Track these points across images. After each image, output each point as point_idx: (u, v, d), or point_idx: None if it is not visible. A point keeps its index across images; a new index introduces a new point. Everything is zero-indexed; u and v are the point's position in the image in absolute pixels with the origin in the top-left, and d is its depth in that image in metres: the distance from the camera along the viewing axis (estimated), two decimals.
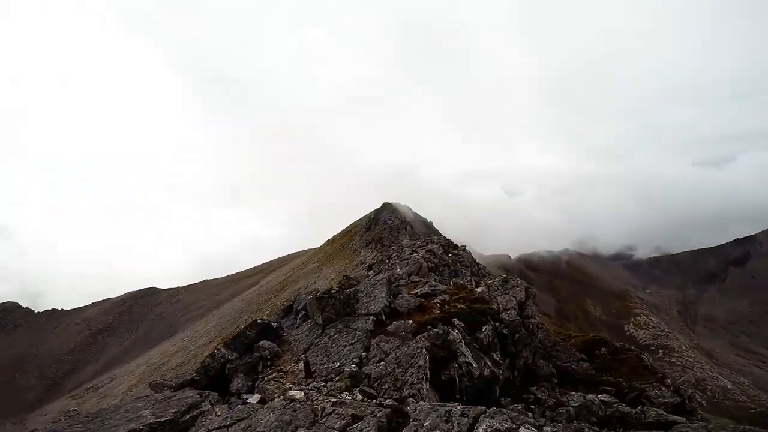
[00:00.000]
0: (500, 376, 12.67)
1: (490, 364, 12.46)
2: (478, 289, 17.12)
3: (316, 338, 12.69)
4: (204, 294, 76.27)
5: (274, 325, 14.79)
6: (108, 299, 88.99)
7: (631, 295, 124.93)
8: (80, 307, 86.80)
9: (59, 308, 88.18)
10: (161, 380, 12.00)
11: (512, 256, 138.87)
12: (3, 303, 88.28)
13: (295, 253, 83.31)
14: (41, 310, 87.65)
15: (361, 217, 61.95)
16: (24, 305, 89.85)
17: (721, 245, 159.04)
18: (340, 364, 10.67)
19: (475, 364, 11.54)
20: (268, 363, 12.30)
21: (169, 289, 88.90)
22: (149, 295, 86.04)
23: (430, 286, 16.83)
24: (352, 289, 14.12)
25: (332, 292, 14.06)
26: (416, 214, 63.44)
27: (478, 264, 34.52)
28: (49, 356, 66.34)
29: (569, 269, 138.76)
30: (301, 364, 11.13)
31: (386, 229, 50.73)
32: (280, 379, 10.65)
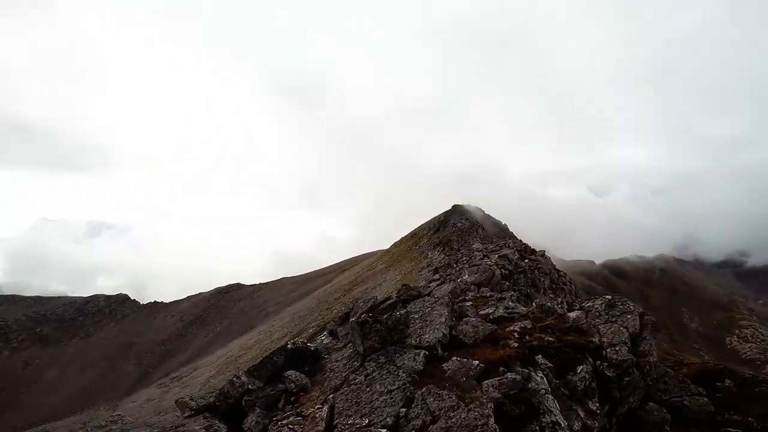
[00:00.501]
0: (594, 429, 9.78)
1: (582, 415, 9.56)
2: (572, 314, 13.11)
3: (352, 372, 10.17)
4: (281, 291, 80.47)
5: (312, 347, 12.77)
6: (200, 293, 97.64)
7: (739, 306, 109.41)
8: (176, 300, 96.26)
9: (160, 301, 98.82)
10: (188, 398, 10.99)
11: (597, 262, 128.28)
12: (116, 295, 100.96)
13: (366, 254, 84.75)
14: (146, 302, 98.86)
15: (429, 219, 61.18)
16: (132, 297, 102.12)
17: None
18: (369, 421, 8.18)
19: (563, 423, 8.56)
20: (292, 399, 10.48)
21: (251, 285, 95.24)
22: (234, 290, 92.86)
23: (506, 308, 13.76)
24: (402, 312, 11.41)
25: (378, 311, 11.76)
26: (489, 216, 60.88)
27: (558, 271, 32.03)
28: (146, 345, 74.34)
29: (664, 277, 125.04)
30: (325, 410, 9.01)
31: (455, 232, 49.28)
32: (296, 426, 8.95)
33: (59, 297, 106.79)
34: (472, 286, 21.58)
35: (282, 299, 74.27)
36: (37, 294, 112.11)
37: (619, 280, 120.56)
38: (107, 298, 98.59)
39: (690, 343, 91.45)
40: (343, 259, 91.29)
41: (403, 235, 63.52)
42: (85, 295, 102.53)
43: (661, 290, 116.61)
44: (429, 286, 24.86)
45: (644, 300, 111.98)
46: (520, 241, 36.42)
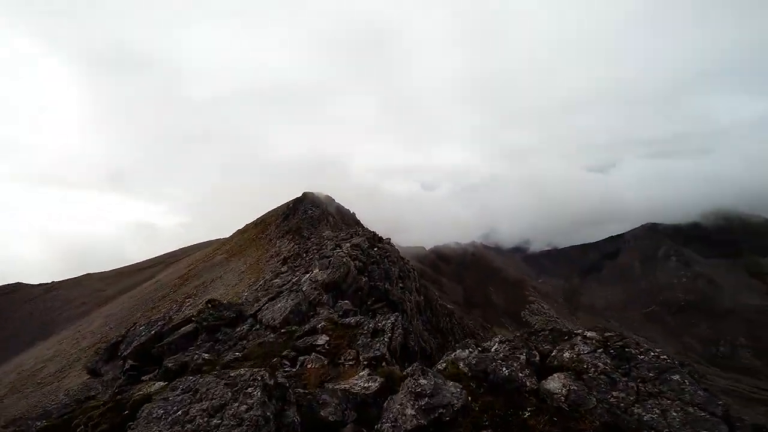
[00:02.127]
0: None
1: None
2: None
3: None
4: (86, 289, 66.51)
5: (51, 406, 9.11)
6: None
7: (527, 284, 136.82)
8: None
9: None
10: None
11: (426, 248, 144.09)
12: None
13: (199, 243, 76.56)
14: None
15: (278, 206, 58.21)
16: None
17: (598, 241, 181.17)
18: None
19: None
20: None
21: (41, 284, 76.34)
22: (11, 291, 72.95)
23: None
24: (199, 358, 8.71)
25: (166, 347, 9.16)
26: (339, 205, 60.89)
27: (404, 259, 33.71)
28: None
29: (475, 260, 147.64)
30: None
31: (306, 220, 47.96)
32: None
33: None
34: (324, 296, 16.74)
35: (88, 299, 61.46)
36: None
37: (444, 264, 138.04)
38: None
39: (498, 317, 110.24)
40: (167, 251, 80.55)
41: (248, 222, 59.23)
42: None
43: (473, 271, 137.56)
44: (258, 300, 17.11)
45: (461, 280, 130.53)
46: (369, 229, 37.05)
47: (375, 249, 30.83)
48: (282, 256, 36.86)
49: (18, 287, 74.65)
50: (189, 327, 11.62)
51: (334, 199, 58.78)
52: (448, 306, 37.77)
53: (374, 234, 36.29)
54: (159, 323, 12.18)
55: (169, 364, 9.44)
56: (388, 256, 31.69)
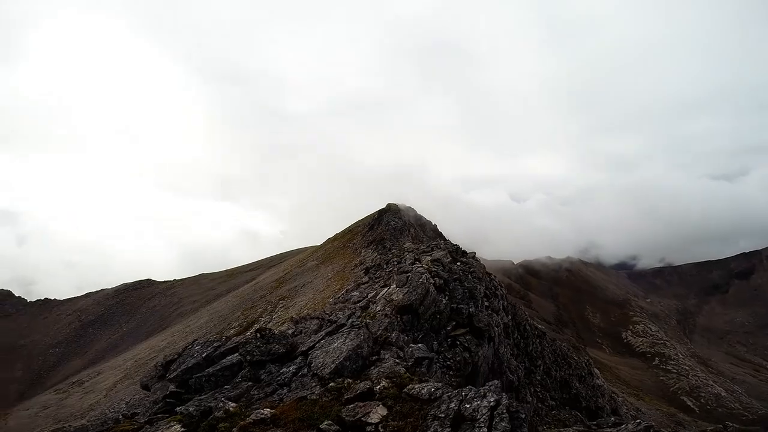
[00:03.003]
0: None
1: None
2: None
3: None
4: (199, 288, 74.68)
5: None
6: (102, 290, 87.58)
7: (632, 303, 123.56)
8: (73, 298, 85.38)
9: (52, 298, 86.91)
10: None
11: (514, 262, 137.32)
12: None
13: (296, 249, 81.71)
14: (34, 299, 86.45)
15: (364, 216, 60.32)
16: (17, 294, 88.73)
17: (726, 258, 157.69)
18: None
19: None
20: None
21: (165, 281, 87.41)
22: (144, 287, 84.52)
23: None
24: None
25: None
26: (421, 217, 61.14)
27: (490, 275, 32.26)
28: (36, 347, 64.79)
29: (570, 277, 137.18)
30: None
31: (389, 231, 48.84)
32: None
33: None
34: (393, 333, 14.01)
35: (199, 297, 68.89)
36: None
37: (533, 279, 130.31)
38: None
39: (593, 338, 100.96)
40: (269, 255, 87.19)
41: (338, 231, 62.03)
42: None
43: (568, 288, 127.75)
44: (319, 330, 14.56)
45: (554, 297, 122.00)
46: (450, 242, 36.02)
47: (458, 264, 29.42)
48: (366, 266, 37.70)
49: (147, 284, 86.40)
50: (233, 358, 10.59)
51: (415, 210, 58.98)
52: (539, 326, 35.18)
53: (457, 247, 35.13)
54: (214, 344, 11.21)
55: (191, 409, 8.65)
56: (472, 271, 29.62)
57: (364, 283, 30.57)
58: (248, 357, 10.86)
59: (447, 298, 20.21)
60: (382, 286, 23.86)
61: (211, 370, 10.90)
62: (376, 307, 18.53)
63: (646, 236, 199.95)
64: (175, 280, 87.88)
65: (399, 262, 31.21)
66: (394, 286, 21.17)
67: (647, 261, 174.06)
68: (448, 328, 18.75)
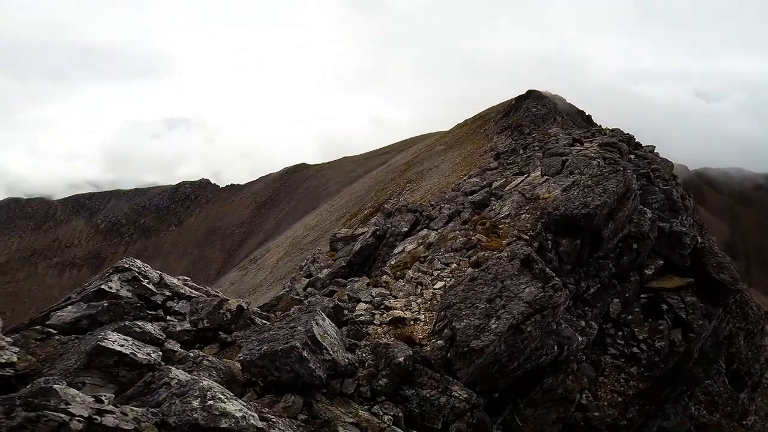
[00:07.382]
0: None
1: None
2: None
3: None
4: (342, 170, 79.84)
5: None
6: (270, 174, 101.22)
7: None
8: (250, 182, 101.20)
9: (236, 183, 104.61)
10: None
11: (690, 168, 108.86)
12: (198, 180, 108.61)
13: (425, 134, 79.10)
14: (224, 185, 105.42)
15: (499, 103, 52.69)
16: (213, 181, 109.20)
17: None
18: None
19: None
20: None
21: (315, 164, 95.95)
22: (301, 169, 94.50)
23: None
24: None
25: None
26: (571, 106, 48.57)
27: (675, 177, 22.14)
28: (228, 228, 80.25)
29: (764, 197, 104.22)
30: None
31: (528, 117, 40.54)
32: None
33: (152, 187, 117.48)
34: (551, 242, 9.55)
35: (342, 178, 73.83)
36: (134, 187, 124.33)
37: (712, 192, 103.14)
38: (192, 183, 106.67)
39: (764, 275, 76.46)
40: (401, 140, 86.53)
41: (467, 117, 56.61)
42: (173, 183, 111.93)
43: (756, 210, 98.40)
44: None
45: (733, 218, 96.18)
46: (618, 130, 25.32)
47: (632, 156, 18.70)
48: (496, 151, 32.92)
49: (303, 167, 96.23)
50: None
51: (565, 100, 47.39)
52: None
53: (630, 136, 24.74)
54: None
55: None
56: (653, 169, 17.77)
57: (491, 169, 24.81)
58: None
59: (634, 200, 11.09)
60: (515, 174, 17.89)
61: None
62: (502, 207, 12.36)
63: None
64: (323, 162, 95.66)
65: (543, 146, 22.72)
66: (539, 173, 14.01)
67: None
68: (648, 274, 10.50)
